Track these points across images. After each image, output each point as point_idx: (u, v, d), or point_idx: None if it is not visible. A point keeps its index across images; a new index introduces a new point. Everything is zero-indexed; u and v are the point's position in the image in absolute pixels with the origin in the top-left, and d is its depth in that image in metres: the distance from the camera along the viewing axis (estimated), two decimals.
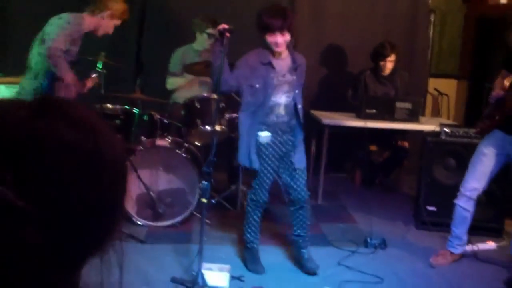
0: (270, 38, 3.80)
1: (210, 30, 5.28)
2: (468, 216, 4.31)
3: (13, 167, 0.71)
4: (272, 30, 3.76)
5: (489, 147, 4.17)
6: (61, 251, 0.75)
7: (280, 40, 3.80)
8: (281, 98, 3.95)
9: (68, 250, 0.76)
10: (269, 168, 4.01)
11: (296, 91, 3.99)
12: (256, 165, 3.96)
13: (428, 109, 7.63)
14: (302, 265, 4.19)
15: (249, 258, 4.20)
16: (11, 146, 0.72)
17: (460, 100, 7.66)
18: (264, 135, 3.93)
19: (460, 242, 4.39)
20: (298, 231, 4.19)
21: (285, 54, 3.97)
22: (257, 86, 3.88)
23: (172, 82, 5.49)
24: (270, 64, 3.90)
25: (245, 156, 3.99)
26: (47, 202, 0.72)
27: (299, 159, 4.08)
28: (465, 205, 4.27)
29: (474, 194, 4.25)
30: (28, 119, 0.75)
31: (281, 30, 3.77)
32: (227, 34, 3.70)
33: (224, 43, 3.71)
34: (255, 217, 4.12)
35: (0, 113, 0.76)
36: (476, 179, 4.21)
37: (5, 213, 0.69)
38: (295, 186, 4.07)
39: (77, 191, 0.75)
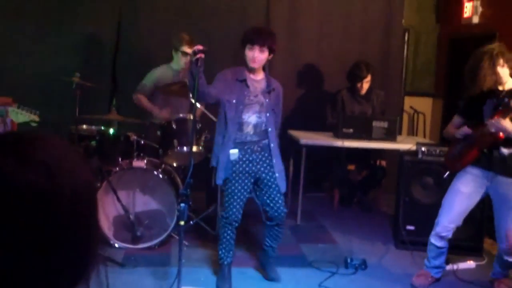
0: (248, 52, 3.92)
1: (184, 49, 5.25)
2: (444, 250, 4.29)
3: None
4: (252, 43, 3.88)
5: (468, 185, 4.09)
6: None
7: (257, 55, 3.91)
8: (251, 118, 4.01)
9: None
10: (238, 186, 4.02)
11: (267, 114, 4.03)
12: (219, 181, 4.04)
13: (405, 128, 7.68)
14: (267, 273, 4.33)
15: (219, 275, 4.20)
16: None
17: (435, 118, 7.73)
18: (233, 152, 3.98)
19: (440, 269, 4.37)
20: (271, 242, 4.31)
21: (261, 76, 4.08)
22: (234, 101, 3.95)
23: (137, 99, 5.41)
24: (244, 81, 3.99)
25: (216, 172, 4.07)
26: (4, 246, 0.70)
27: (281, 184, 4.12)
28: (439, 244, 4.23)
29: (449, 234, 4.19)
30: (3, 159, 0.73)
31: (261, 45, 3.89)
32: (201, 55, 3.70)
33: (198, 64, 3.71)
34: (225, 235, 4.12)
35: None
36: (452, 219, 4.14)
37: None
38: (272, 205, 4.10)
39: (34, 231, 0.72)
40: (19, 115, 4.19)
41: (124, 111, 5.31)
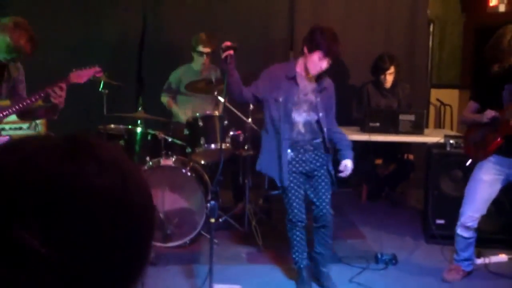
0: (318, 60, 3.77)
1: (200, 48, 5.29)
2: (472, 241, 4.26)
3: (41, 213, 0.70)
4: (326, 53, 3.74)
5: (488, 173, 4.06)
6: None
7: (324, 67, 3.80)
8: (301, 116, 3.91)
9: None
10: (294, 186, 3.96)
11: (321, 114, 3.94)
12: (286, 182, 3.93)
13: (431, 120, 7.62)
14: (321, 283, 4.15)
15: (298, 280, 4.13)
16: (40, 192, 0.71)
17: (463, 110, 7.62)
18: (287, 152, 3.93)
19: (470, 261, 4.35)
20: (319, 248, 4.15)
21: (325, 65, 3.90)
22: (280, 99, 3.86)
23: (164, 100, 5.55)
24: (294, 79, 3.87)
25: (275, 172, 3.97)
26: (73, 250, 0.71)
27: (331, 183, 4.07)
28: (466, 234, 4.20)
29: (475, 223, 4.16)
30: (58, 163, 0.74)
31: (332, 57, 3.77)
32: (230, 52, 3.67)
33: (228, 61, 3.68)
34: (295, 237, 4.05)
35: (31, 155, 0.75)
36: (476, 208, 4.12)
37: (28, 259, 0.68)
38: (317, 203, 4.04)
39: (104, 239, 0.74)
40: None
41: (150, 110, 5.35)
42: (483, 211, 4.14)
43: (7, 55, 3.70)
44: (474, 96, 4.22)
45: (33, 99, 3.80)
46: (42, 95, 3.77)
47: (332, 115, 4.09)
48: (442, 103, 7.67)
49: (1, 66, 3.85)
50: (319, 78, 3.96)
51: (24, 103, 3.79)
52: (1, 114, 3.78)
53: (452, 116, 7.69)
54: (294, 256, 4.09)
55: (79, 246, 0.71)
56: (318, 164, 4.01)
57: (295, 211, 3.96)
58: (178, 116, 5.45)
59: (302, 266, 4.08)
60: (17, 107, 3.78)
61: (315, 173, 4.02)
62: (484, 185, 4.08)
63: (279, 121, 3.89)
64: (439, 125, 7.64)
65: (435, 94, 7.69)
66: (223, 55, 3.70)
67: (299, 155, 3.96)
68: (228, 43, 3.71)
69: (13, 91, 3.95)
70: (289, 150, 3.91)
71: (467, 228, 4.17)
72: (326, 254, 4.16)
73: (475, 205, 4.11)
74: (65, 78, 3.86)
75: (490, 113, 3.96)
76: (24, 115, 3.93)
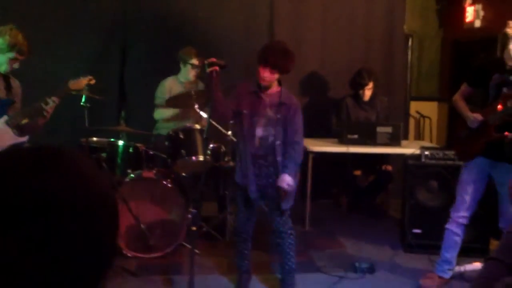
0: (261, 69, 3.86)
1: (193, 61, 5.38)
2: (459, 240, 4.38)
3: (15, 223, 0.77)
4: (265, 62, 3.83)
5: (472, 174, 4.25)
6: None
7: (267, 75, 3.85)
8: (258, 130, 3.95)
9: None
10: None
11: (276, 128, 3.95)
12: (254, 195, 4.01)
13: (411, 132, 7.76)
14: None
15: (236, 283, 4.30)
16: (13, 202, 0.78)
17: (441, 122, 7.80)
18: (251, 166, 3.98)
19: (450, 266, 4.44)
20: (283, 259, 4.16)
21: (274, 90, 3.98)
22: (245, 112, 3.93)
23: (159, 113, 5.56)
24: (256, 93, 3.96)
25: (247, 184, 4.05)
26: (47, 252, 0.78)
27: (284, 201, 3.99)
28: (456, 229, 4.34)
29: (465, 221, 4.33)
30: (24, 176, 0.81)
31: (273, 67, 3.83)
32: (216, 68, 3.75)
33: (214, 76, 3.76)
34: (239, 246, 4.22)
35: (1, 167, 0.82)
36: (465, 208, 4.30)
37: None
38: (270, 219, 4.09)
39: (64, 249, 0.80)
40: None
41: (132, 123, 5.42)
42: (472, 210, 4.32)
43: (10, 53, 3.94)
44: (467, 79, 4.37)
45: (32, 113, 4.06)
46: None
47: (291, 131, 3.99)
48: (421, 115, 7.82)
49: (5, 78, 4.07)
50: (282, 94, 3.99)
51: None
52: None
53: (431, 127, 7.83)
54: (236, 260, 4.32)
55: (40, 254, 0.78)
56: (270, 180, 3.99)
57: (244, 221, 4.14)
58: (161, 127, 5.50)
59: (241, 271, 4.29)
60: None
61: (268, 190, 4.02)
62: (469, 187, 4.26)
63: (245, 135, 3.96)
64: (418, 136, 7.78)
65: (415, 106, 7.84)
66: (209, 70, 3.76)
67: (256, 170, 3.99)
68: (213, 59, 3.77)
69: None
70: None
71: (458, 224, 4.33)
72: (286, 264, 4.13)
73: (464, 205, 4.30)
74: (66, 86, 4.14)
75: (476, 119, 4.12)
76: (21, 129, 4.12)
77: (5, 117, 4.00)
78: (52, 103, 4.01)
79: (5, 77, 4.09)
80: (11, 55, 3.94)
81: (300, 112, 4.04)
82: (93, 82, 4.33)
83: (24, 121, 4.07)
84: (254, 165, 3.97)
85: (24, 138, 4.08)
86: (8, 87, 4.09)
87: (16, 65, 4.03)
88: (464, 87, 4.36)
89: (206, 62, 3.77)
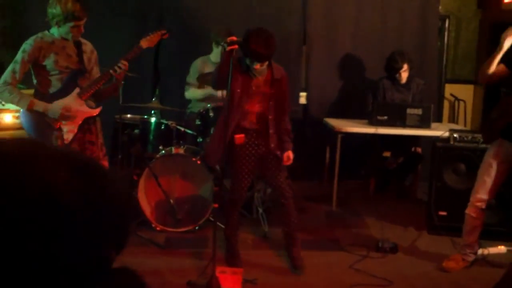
0: (256, 66, 3.99)
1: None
2: (479, 224, 4.38)
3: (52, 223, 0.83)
4: (258, 60, 3.95)
5: (496, 157, 4.21)
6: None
7: (258, 67, 4.00)
8: (254, 107, 4.15)
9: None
10: (245, 168, 4.19)
11: (270, 103, 4.15)
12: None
13: (445, 115, 7.70)
14: (291, 262, 4.39)
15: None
16: (52, 205, 0.83)
17: (477, 105, 7.71)
18: (239, 137, 4.12)
19: (472, 250, 4.46)
20: (285, 228, 4.37)
21: (264, 66, 4.09)
22: (238, 90, 4.05)
23: (191, 93, 5.65)
24: (248, 72, 4.07)
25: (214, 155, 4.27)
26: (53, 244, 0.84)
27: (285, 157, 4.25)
28: (475, 214, 4.33)
29: (484, 205, 4.30)
30: (69, 181, 0.86)
31: (265, 60, 3.98)
32: (236, 47, 3.86)
33: (233, 54, 3.87)
34: (232, 215, 4.36)
35: (40, 172, 0.85)
36: (485, 190, 4.26)
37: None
38: (274, 184, 4.27)
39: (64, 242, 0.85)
40: None
41: (165, 101, 5.55)
42: (492, 194, 4.28)
43: (69, 23, 3.89)
44: (504, 59, 4.23)
45: (103, 81, 4.12)
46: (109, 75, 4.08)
47: (285, 101, 4.24)
48: (456, 98, 7.74)
49: (76, 44, 4.08)
50: (272, 70, 4.13)
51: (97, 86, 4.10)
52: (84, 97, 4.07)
53: (466, 111, 7.75)
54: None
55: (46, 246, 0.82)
56: (267, 149, 4.22)
57: (240, 190, 4.27)
58: (194, 106, 5.61)
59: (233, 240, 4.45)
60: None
61: (265, 156, 4.24)
62: (491, 169, 4.23)
63: (231, 109, 4.08)
64: (452, 120, 7.71)
65: (450, 89, 7.76)
66: (228, 48, 3.88)
67: (253, 139, 4.21)
68: (233, 38, 3.90)
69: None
70: (243, 135, 4.16)
71: (476, 207, 4.31)
72: (291, 233, 4.37)
73: (484, 187, 4.26)
74: (137, 45, 4.17)
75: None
76: (96, 97, 4.21)
77: (77, 90, 4.05)
78: (121, 68, 4.06)
79: (76, 43, 4.08)
80: (71, 23, 3.90)
81: (288, 80, 4.29)
82: (166, 36, 4.33)
83: (96, 90, 4.11)
84: (248, 135, 4.17)
85: (97, 110, 4.17)
86: (80, 54, 4.10)
87: (80, 31, 4.00)
88: (501, 68, 4.24)
89: (226, 41, 3.89)
